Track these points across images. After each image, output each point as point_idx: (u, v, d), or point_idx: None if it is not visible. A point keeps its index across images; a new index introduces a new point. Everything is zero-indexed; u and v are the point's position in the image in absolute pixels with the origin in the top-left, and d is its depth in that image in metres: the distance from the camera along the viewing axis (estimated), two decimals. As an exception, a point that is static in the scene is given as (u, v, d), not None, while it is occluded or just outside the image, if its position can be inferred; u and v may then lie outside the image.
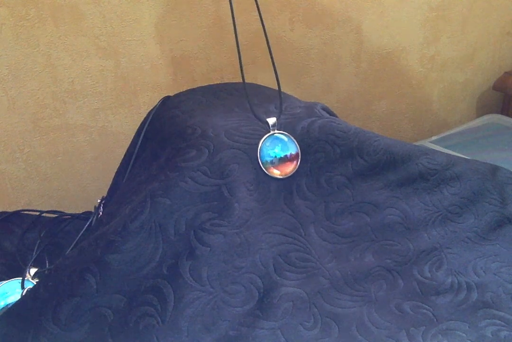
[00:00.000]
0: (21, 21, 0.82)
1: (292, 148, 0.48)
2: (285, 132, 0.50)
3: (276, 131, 0.52)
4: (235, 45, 0.99)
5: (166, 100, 0.74)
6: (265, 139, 0.51)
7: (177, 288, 0.51)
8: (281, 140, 0.50)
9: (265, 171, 0.50)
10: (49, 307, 0.53)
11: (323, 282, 0.56)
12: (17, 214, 0.81)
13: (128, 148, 0.74)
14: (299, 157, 0.49)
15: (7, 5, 0.80)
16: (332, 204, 0.61)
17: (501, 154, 1.12)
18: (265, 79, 1.04)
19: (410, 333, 0.51)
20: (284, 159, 0.49)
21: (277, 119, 0.51)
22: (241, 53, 1.00)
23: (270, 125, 0.51)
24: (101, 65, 0.90)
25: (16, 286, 0.64)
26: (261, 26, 0.57)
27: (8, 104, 0.87)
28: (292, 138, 0.49)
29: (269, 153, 0.51)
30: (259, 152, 0.49)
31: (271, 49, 0.62)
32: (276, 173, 0.50)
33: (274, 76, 0.59)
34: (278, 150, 0.50)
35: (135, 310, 0.51)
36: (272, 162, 0.50)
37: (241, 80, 0.93)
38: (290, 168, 0.49)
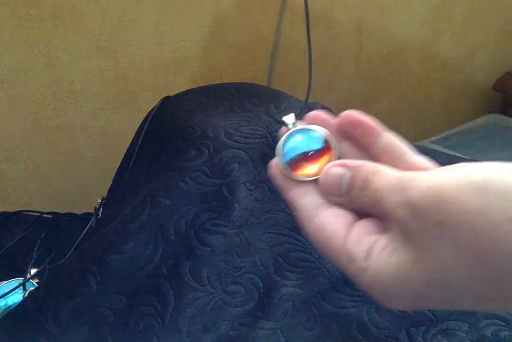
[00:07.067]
0: (21, 21, 0.82)
1: (316, 143, 0.37)
2: (308, 127, 0.38)
3: (294, 128, 0.40)
4: (237, 46, 0.99)
5: (166, 100, 0.74)
6: (285, 139, 0.40)
7: (177, 288, 0.51)
8: (303, 134, 0.38)
9: (291, 174, 0.38)
10: (49, 308, 0.53)
11: (323, 282, 0.56)
12: (17, 214, 0.81)
13: (128, 148, 0.74)
14: (329, 153, 0.37)
15: (7, 5, 0.80)
16: (332, 204, 0.61)
17: (501, 154, 1.13)
18: (265, 79, 1.04)
19: (410, 333, 0.51)
20: (305, 157, 0.37)
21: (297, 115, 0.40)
22: (241, 53, 1.01)
23: (287, 124, 0.41)
24: (101, 65, 0.90)
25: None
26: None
27: (8, 104, 0.87)
28: (320, 131, 0.37)
29: (287, 152, 0.37)
30: (282, 154, 0.37)
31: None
32: (300, 173, 0.37)
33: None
34: (300, 145, 0.39)
35: (135, 310, 0.51)
36: (292, 161, 0.38)
37: (240, 80, 0.93)
38: (314, 167, 0.37)
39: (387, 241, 0.29)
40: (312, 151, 0.37)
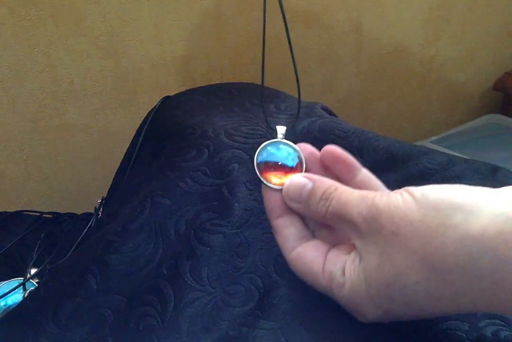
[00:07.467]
0: (21, 21, 0.82)
1: (292, 160, 0.42)
2: (291, 144, 0.42)
3: (281, 139, 0.46)
4: (237, 46, 0.99)
5: (166, 100, 0.74)
6: (267, 143, 0.45)
7: (177, 288, 0.51)
8: (284, 148, 0.43)
9: (259, 175, 0.44)
10: (49, 308, 0.53)
11: (323, 282, 0.56)
12: (17, 214, 0.81)
13: (128, 148, 0.74)
14: (297, 172, 0.41)
15: (7, 5, 0.80)
16: (332, 204, 0.61)
17: (501, 154, 1.12)
18: (265, 79, 1.04)
19: (410, 333, 0.51)
20: (276, 166, 0.42)
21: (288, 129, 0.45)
22: (241, 53, 1.01)
23: (278, 133, 0.46)
24: (101, 65, 0.90)
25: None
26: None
27: (8, 104, 0.87)
28: (299, 152, 0.42)
29: (263, 155, 0.42)
30: (259, 153, 0.42)
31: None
32: (270, 179, 0.41)
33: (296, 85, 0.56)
34: (277, 154, 0.43)
35: (135, 310, 0.51)
36: (264, 164, 0.42)
37: (240, 80, 0.93)
38: (280, 178, 0.42)
39: (354, 255, 0.35)
40: (284, 165, 0.42)
